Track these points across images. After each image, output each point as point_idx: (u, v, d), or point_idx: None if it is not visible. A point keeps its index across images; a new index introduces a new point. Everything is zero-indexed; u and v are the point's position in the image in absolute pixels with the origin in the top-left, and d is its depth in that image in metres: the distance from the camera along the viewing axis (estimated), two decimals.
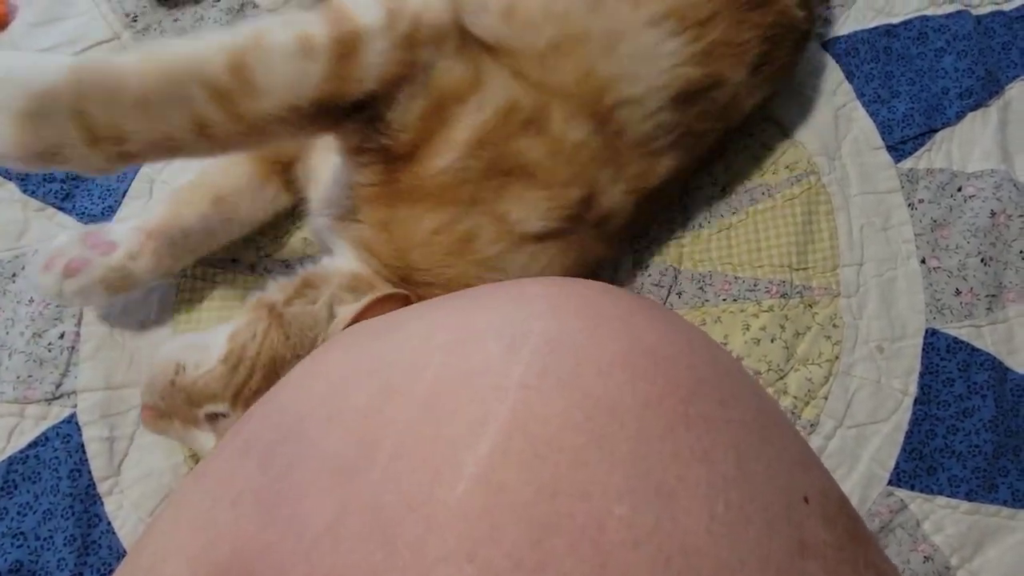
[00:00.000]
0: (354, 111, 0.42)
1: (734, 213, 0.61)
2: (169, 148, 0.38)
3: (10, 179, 0.58)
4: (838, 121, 0.63)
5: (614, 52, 0.46)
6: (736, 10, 0.49)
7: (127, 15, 0.63)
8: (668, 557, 0.25)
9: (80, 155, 0.36)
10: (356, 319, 0.42)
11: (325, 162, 0.51)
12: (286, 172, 0.56)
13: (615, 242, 0.54)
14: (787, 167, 0.62)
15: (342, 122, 0.43)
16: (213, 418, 0.45)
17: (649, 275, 0.59)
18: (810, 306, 0.59)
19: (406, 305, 0.43)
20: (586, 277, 0.51)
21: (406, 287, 0.46)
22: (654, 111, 0.48)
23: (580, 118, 0.46)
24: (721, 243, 0.60)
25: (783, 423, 0.33)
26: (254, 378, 0.44)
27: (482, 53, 0.46)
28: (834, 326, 0.59)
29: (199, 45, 0.39)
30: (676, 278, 0.60)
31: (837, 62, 0.64)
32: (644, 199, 0.52)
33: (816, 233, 0.61)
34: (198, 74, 0.37)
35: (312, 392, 0.33)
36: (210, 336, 0.47)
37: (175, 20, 0.63)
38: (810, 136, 0.63)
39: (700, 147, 0.54)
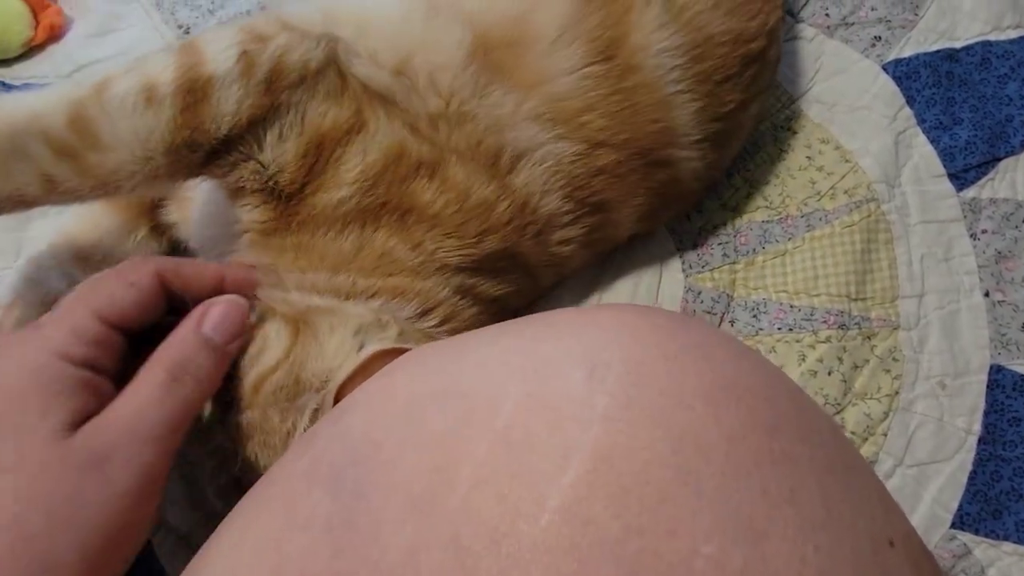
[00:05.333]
0: (214, 155, 0.41)
1: (790, 239, 0.59)
2: (23, 202, 0.37)
3: None
4: (898, 147, 0.61)
5: (500, 134, 0.46)
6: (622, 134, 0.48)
7: (179, 27, 0.63)
8: None
9: None
10: (354, 378, 0.41)
11: (197, 200, 0.49)
12: (154, 213, 0.53)
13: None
14: (846, 192, 0.60)
15: (205, 167, 0.42)
16: None
17: (701, 301, 0.58)
18: (868, 338, 0.57)
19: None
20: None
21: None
22: (549, 190, 0.48)
23: (481, 176, 0.46)
24: (776, 270, 0.59)
25: (861, 463, 0.32)
26: None
27: (372, 99, 0.45)
28: (894, 360, 0.56)
29: (40, 99, 0.38)
30: (729, 305, 0.58)
31: (898, 85, 0.63)
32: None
33: (875, 262, 0.59)
34: (39, 131, 0.37)
35: (382, 414, 0.32)
36: None
37: None
38: (870, 161, 0.61)
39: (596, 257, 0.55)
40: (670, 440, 0.26)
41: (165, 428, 0.37)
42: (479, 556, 0.25)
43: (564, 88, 0.46)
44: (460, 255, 0.46)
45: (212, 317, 0.40)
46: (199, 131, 0.40)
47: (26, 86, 0.60)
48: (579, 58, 0.46)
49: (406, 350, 0.42)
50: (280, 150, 0.42)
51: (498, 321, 0.50)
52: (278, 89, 0.41)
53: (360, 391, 0.36)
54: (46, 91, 0.38)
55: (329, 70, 0.44)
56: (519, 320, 0.43)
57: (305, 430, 0.42)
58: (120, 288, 0.38)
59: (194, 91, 0.39)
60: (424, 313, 0.46)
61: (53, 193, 0.38)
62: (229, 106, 0.40)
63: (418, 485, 0.27)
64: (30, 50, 0.61)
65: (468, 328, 0.47)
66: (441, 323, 0.46)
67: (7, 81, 0.61)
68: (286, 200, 0.43)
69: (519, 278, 0.50)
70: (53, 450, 0.34)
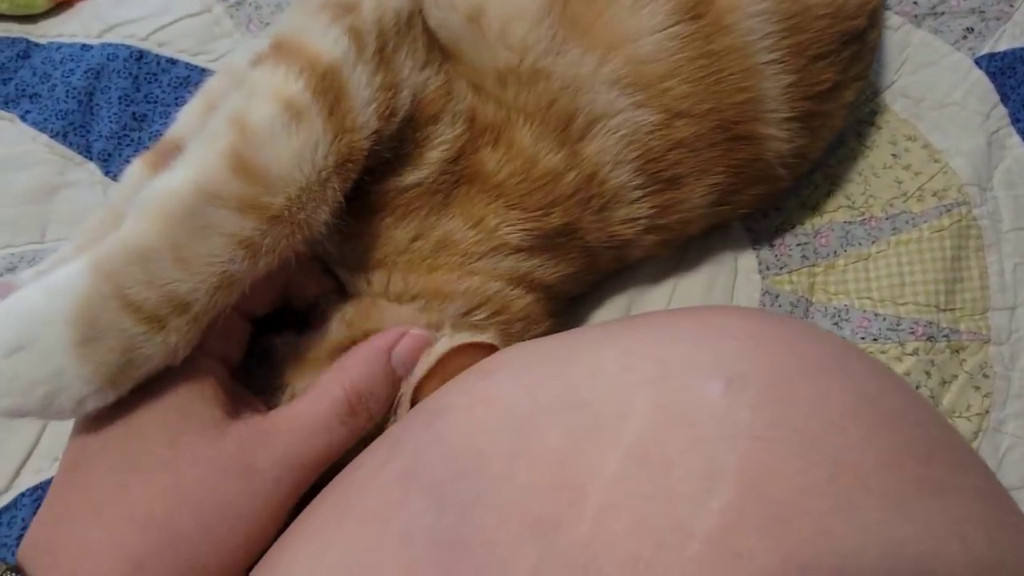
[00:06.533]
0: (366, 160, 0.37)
1: (873, 242, 0.55)
2: (233, 284, 0.33)
3: (91, 158, 0.53)
4: (991, 148, 0.57)
5: (575, 96, 0.42)
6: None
7: None
8: None
9: (154, 347, 0.32)
10: (432, 375, 0.37)
11: None
12: None
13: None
14: (935, 194, 0.56)
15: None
16: None
17: (779, 305, 0.54)
18: (957, 352, 0.53)
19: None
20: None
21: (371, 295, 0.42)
22: (621, 161, 0.43)
23: (549, 141, 0.42)
24: (859, 275, 0.55)
25: (1005, 491, 0.30)
26: None
27: (444, 52, 0.42)
28: (984, 376, 0.53)
29: (187, 169, 0.33)
30: (808, 310, 0.54)
31: (992, 81, 0.59)
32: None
33: (965, 271, 0.55)
34: (209, 196, 0.32)
35: (487, 424, 0.29)
36: None
37: None
38: (961, 162, 0.57)
39: (670, 246, 0.50)
40: (825, 465, 0.24)
41: (323, 457, 0.35)
42: None
43: (647, 50, 0.42)
44: (522, 231, 0.42)
45: (403, 349, 0.38)
46: (353, 131, 0.35)
47: (53, 45, 0.56)
48: (665, 15, 0.42)
49: (491, 346, 0.38)
50: (439, 144, 0.39)
51: (555, 309, 0.47)
52: (388, 56, 0.37)
53: (453, 393, 0.32)
54: (185, 161, 0.34)
55: (417, 19, 0.40)
56: (629, 319, 0.39)
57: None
58: None
59: (329, 89, 0.35)
60: (470, 311, 0.42)
61: (256, 256, 0.33)
62: (365, 92, 0.35)
63: (537, 504, 0.25)
64: (57, 6, 0.57)
65: (521, 319, 0.44)
66: (490, 316, 0.42)
67: (32, 39, 0.56)
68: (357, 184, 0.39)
69: (577, 259, 0.45)
70: (206, 448, 0.32)
